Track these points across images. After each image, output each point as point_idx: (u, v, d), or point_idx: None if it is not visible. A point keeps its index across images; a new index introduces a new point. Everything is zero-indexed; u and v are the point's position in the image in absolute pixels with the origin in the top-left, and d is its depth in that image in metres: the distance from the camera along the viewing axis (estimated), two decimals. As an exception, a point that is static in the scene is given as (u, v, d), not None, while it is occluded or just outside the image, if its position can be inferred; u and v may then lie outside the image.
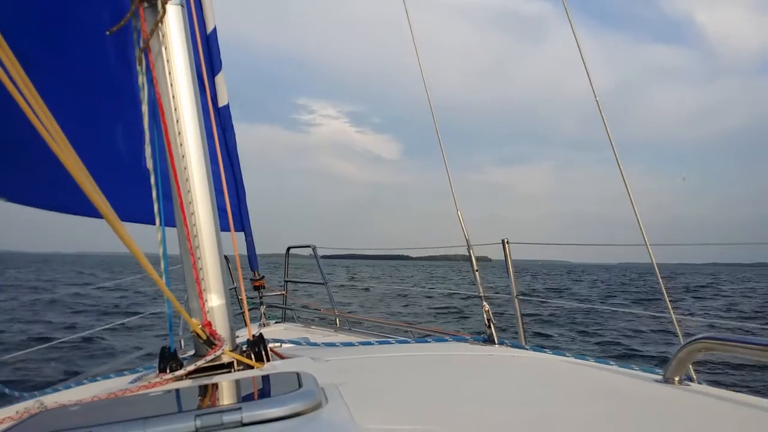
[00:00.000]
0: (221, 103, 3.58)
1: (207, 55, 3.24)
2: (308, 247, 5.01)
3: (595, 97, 2.33)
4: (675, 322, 2.33)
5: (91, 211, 1.41)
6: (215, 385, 1.45)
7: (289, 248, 5.22)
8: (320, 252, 5.02)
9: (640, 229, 2.30)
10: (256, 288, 4.57)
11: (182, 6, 1.82)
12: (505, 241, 2.87)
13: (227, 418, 1.04)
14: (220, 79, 3.48)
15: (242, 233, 4.29)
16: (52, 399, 1.48)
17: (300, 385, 1.20)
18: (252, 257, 4.51)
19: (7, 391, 2.49)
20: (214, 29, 3.28)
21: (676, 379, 1.54)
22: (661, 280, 2.31)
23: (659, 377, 1.60)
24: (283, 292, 5.01)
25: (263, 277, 4.57)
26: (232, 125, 3.78)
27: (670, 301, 2.34)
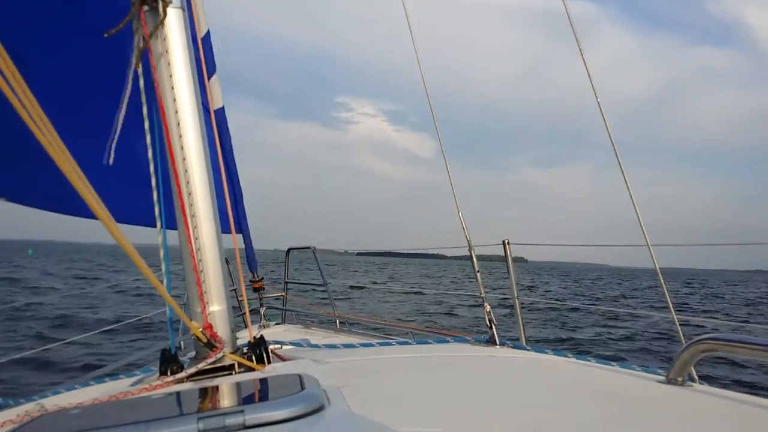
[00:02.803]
0: (216, 106, 3.59)
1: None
2: (308, 248, 5.03)
3: (597, 98, 2.35)
4: (677, 323, 2.33)
5: (90, 213, 1.40)
6: (217, 388, 1.44)
7: (289, 249, 5.23)
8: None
9: (641, 228, 2.30)
10: (256, 290, 4.58)
11: (183, 9, 1.81)
12: (506, 241, 2.87)
13: (230, 420, 1.04)
14: (214, 81, 3.50)
15: (240, 235, 4.31)
16: (53, 401, 1.47)
17: (302, 387, 1.20)
18: (251, 259, 4.52)
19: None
20: (208, 32, 3.30)
21: (679, 379, 1.54)
22: (662, 280, 2.31)
23: (662, 378, 1.60)
24: (283, 294, 5.01)
25: (262, 278, 4.58)
26: (227, 128, 3.80)
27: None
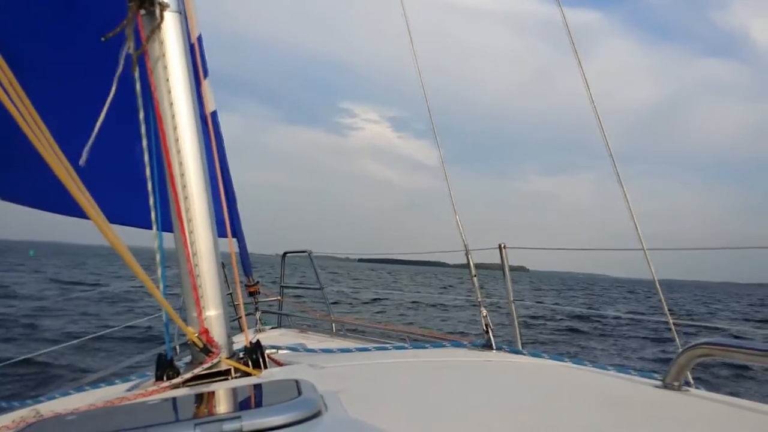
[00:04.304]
0: (210, 109, 3.59)
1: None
2: (304, 252, 5.02)
3: (595, 110, 2.35)
4: (673, 328, 2.33)
5: (83, 213, 1.40)
6: (213, 393, 1.43)
7: (285, 253, 5.22)
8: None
9: (638, 235, 2.31)
10: (251, 294, 4.56)
11: (180, 13, 1.81)
12: (502, 245, 2.87)
13: (227, 426, 1.03)
14: (207, 84, 3.49)
15: (234, 239, 4.29)
16: (48, 407, 1.46)
17: (299, 393, 1.20)
18: (245, 262, 4.50)
19: None
20: (200, 36, 3.30)
21: (676, 384, 1.54)
22: (658, 286, 2.31)
23: (658, 383, 1.60)
24: (279, 298, 4.99)
25: (258, 282, 4.57)
26: (220, 132, 3.80)
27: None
